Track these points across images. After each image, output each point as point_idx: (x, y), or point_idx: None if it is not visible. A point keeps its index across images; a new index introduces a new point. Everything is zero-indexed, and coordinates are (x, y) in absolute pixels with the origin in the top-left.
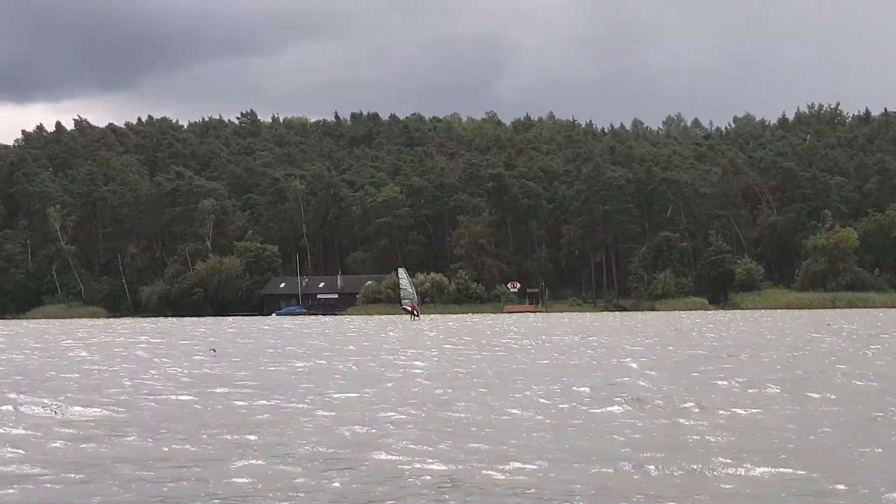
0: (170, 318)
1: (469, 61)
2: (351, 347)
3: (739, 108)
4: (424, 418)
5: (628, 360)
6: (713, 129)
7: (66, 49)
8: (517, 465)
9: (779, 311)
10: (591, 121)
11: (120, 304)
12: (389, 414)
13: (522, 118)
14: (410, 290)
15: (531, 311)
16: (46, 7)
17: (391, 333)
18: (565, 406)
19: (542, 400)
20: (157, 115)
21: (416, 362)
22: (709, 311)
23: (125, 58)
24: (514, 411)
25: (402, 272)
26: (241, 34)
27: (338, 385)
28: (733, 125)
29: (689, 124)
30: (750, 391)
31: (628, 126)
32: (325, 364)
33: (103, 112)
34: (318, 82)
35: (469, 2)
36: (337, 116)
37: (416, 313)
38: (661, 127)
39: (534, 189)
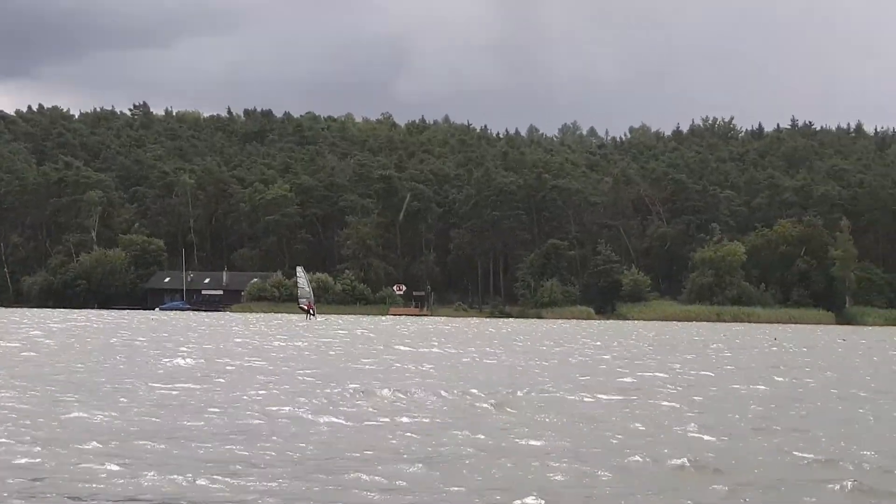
0: (48, 310)
1: (370, 62)
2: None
3: (636, 119)
4: None
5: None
6: (608, 138)
7: None
8: None
9: (662, 322)
10: (486, 125)
11: (1, 294)
12: None
13: (418, 121)
14: (308, 288)
15: (415, 315)
16: None
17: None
18: None
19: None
20: (48, 104)
21: None
22: (585, 322)
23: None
24: None
25: (300, 271)
26: (139, 25)
27: None
28: (629, 135)
29: (584, 133)
30: None
31: (524, 132)
32: None
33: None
34: (215, 78)
35: (374, 3)
36: (230, 112)
37: (312, 312)
38: (557, 134)
39: (423, 192)
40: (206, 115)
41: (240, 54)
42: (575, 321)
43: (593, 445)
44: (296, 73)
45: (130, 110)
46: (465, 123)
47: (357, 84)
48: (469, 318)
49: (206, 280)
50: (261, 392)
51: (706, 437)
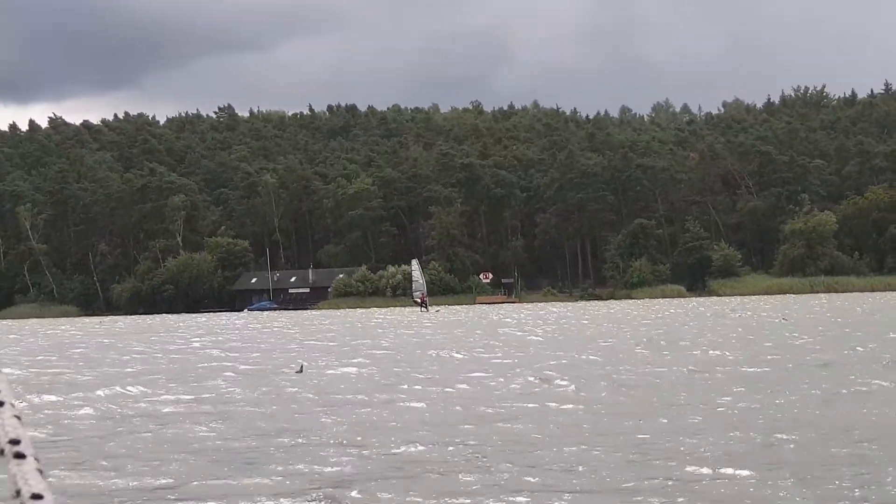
0: (142, 316)
1: (466, 55)
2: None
3: (730, 94)
4: None
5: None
6: (702, 114)
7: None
8: None
9: (755, 296)
10: (575, 108)
11: (92, 303)
12: None
13: (506, 107)
14: (422, 281)
15: (504, 302)
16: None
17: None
18: None
19: None
20: (133, 112)
21: None
22: (681, 299)
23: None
24: None
25: (414, 264)
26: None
27: None
28: (722, 110)
29: (677, 110)
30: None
31: (615, 114)
32: None
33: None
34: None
35: None
36: (311, 109)
37: (425, 305)
38: (650, 113)
39: (506, 178)
40: (290, 113)
41: (337, 55)
42: (666, 300)
43: None
44: (393, 71)
45: (216, 112)
46: (555, 108)
47: (453, 77)
48: (557, 303)
49: (293, 279)
50: None
51: None
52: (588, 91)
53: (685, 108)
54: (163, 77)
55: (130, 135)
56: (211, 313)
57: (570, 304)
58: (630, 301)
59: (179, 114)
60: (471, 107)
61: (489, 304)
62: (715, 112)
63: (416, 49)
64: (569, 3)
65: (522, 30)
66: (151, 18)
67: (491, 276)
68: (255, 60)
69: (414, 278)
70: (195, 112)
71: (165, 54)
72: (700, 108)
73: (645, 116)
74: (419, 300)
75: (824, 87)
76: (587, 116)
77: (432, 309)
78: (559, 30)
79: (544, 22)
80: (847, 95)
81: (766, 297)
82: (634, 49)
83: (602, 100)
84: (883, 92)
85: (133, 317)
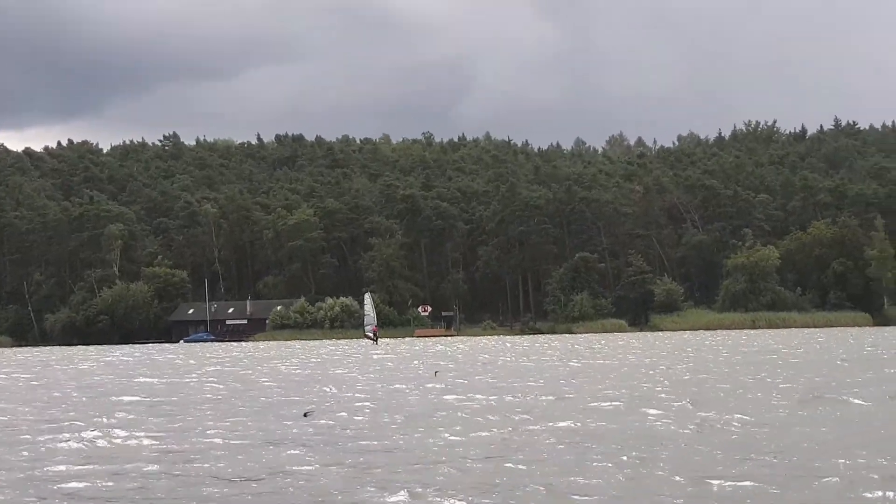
0: (73, 347)
1: (426, 86)
2: None
3: (687, 128)
4: None
5: None
6: (656, 147)
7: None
8: None
9: (695, 332)
10: (526, 140)
11: (26, 333)
12: None
13: (457, 139)
14: (373, 314)
15: (442, 335)
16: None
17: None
18: None
19: None
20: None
21: None
22: (618, 334)
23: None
24: None
25: (367, 297)
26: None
27: None
28: (677, 143)
29: (631, 143)
30: None
31: (569, 146)
32: None
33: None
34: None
35: (432, 28)
36: (259, 139)
37: (375, 338)
38: (605, 146)
39: (447, 210)
40: (238, 142)
41: (300, 86)
42: (600, 335)
43: None
44: (354, 102)
45: (161, 141)
46: (506, 139)
47: (413, 109)
48: (493, 336)
49: (230, 310)
50: None
51: None
52: (548, 123)
53: (640, 142)
54: (124, 105)
55: (73, 162)
56: (146, 345)
57: (507, 337)
58: (567, 336)
59: (124, 142)
60: (422, 138)
61: (428, 337)
62: (669, 146)
63: (379, 80)
64: (533, 36)
65: (485, 62)
66: (115, 46)
67: (430, 308)
68: (217, 89)
69: (366, 311)
70: (140, 140)
71: (128, 82)
72: (655, 141)
73: (599, 149)
74: (371, 333)
75: (775, 122)
76: (539, 149)
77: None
78: (522, 62)
79: (507, 54)
80: (797, 131)
81: (705, 332)
82: (595, 82)
83: (561, 132)
84: (833, 128)
85: (63, 348)
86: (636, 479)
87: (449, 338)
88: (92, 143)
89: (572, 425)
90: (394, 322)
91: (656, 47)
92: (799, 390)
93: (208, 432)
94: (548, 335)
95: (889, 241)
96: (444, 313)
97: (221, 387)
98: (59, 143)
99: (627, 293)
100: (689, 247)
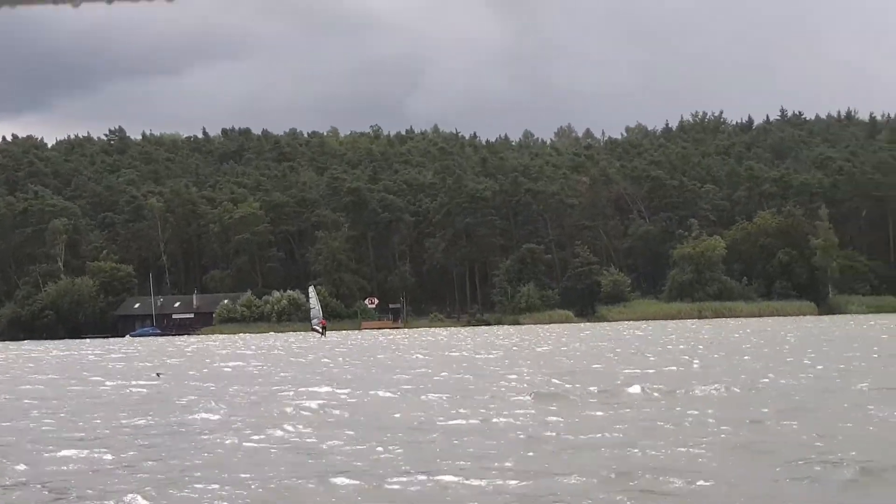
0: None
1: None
2: None
3: (635, 120)
4: None
5: None
6: (604, 139)
7: None
8: None
9: (642, 322)
10: (475, 133)
11: None
12: None
13: (404, 132)
14: (318, 308)
15: (390, 328)
16: None
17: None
18: None
19: None
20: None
21: None
22: (564, 325)
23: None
24: None
25: (311, 290)
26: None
27: None
28: (625, 135)
29: (580, 135)
30: None
31: (518, 138)
32: None
33: None
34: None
35: (383, 24)
36: (205, 133)
37: (322, 331)
38: (554, 138)
39: (394, 203)
40: (184, 136)
41: (252, 81)
42: (548, 325)
43: None
44: (305, 98)
45: (106, 135)
46: (454, 132)
47: (365, 105)
48: (441, 329)
49: (177, 304)
50: None
51: None
52: (498, 117)
53: (588, 134)
54: (71, 102)
55: (17, 157)
56: (89, 339)
57: (453, 329)
58: (514, 326)
59: (69, 136)
60: (371, 131)
61: (375, 329)
62: (617, 137)
63: (328, 77)
64: (486, 30)
65: (436, 57)
66: (66, 43)
67: (377, 301)
68: (167, 86)
69: (311, 305)
70: (85, 135)
71: (78, 78)
72: (603, 132)
73: (548, 141)
74: (318, 327)
75: (721, 112)
76: (486, 141)
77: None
78: (474, 56)
79: (459, 49)
80: (744, 121)
81: (651, 322)
82: (546, 75)
83: (511, 126)
84: (779, 118)
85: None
86: None
87: (394, 330)
88: (36, 138)
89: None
90: (341, 315)
91: (606, 41)
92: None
93: None
94: (495, 326)
95: (833, 231)
96: (391, 306)
97: None
98: (3, 138)
99: (574, 284)
100: (635, 237)
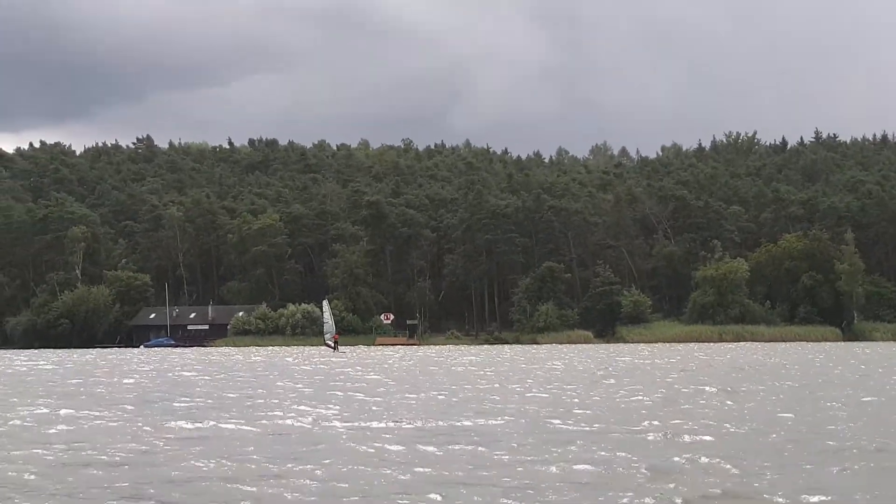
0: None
1: (419, 97)
2: None
3: (670, 139)
4: None
5: None
6: (638, 157)
7: None
8: None
9: (661, 344)
10: (506, 148)
11: None
12: None
13: (433, 146)
14: (331, 322)
15: (404, 344)
16: None
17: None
18: None
19: None
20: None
21: None
22: (585, 345)
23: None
24: None
25: (325, 304)
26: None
27: None
28: (660, 153)
29: (615, 153)
30: None
31: (553, 155)
32: None
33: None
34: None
35: (425, 38)
36: (231, 143)
37: (335, 346)
38: (588, 156)
39: (414, 217)
40: (211, 145)
41: (286, 94)
42: (560, 345)
43: None
44: (347, 110)
45: (134, 143)
46: (485, 147)
47: (405, 119)
48: (457, 346)
49: (192, 315)
50: None
51: None
52: (536, 134)
53: (623, 152)
54: (118, 110)
55: (43, 164)
56: (105, 349)
57: (471, 347)
58: (532, 346)
59: (97, 144)
60: (402, 144)
61: (387, 345)
62: (652, 156)
63: (367, 90)
64: (527, 45)
65: (477, 72)
66: (111, 50)
67: (392, 316)
68: (211, 96)
69: (324, 319)
70: (114, 143)
71: (124, 87)
72: (638, 151)
73: (581, 158)
74: (331, 341)
75: (755, 133)
76: (518, 157)
77: (343, 349)
78: (513, 73)
79: (499, 65)
80: (778, 142)
81: (669, 344)
82: (585, 93)
83: (544, 142)
84: (813, 140)
85: (28, 351)
86: None
87: (406, 347)
88: (65, 146)
89: None
90: (357, 330)
91: (646, 60)
92: None
93: None
94: (511, 345)
95: (859, 255)
96: (408, 322)
97: None
98: (31, 144)
99: (594, 304)
100: (659, 258)
